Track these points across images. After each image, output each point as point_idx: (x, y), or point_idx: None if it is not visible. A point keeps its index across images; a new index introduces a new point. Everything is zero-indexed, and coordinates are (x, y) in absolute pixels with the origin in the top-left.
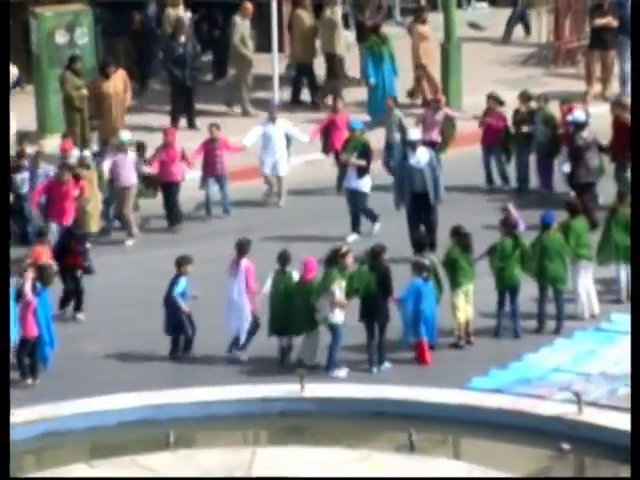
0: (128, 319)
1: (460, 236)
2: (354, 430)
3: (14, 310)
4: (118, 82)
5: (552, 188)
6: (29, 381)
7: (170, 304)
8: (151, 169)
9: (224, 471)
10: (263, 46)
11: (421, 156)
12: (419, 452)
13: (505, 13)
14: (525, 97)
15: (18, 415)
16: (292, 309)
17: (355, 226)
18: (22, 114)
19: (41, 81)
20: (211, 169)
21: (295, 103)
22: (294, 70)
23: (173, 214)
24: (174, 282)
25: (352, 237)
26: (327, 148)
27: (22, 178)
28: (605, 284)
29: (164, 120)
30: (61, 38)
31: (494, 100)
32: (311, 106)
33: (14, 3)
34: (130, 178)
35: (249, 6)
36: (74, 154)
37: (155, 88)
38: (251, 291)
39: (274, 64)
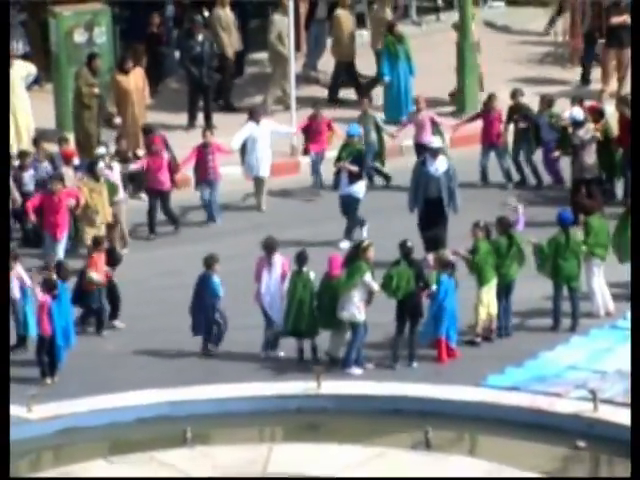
0: (144, 316)
1: (488, 231)
2: (370, 427)
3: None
4: (138, 78)
5: (564, 183)
6: (47, 380)
7: (204, 303)
8: (136, 165)
9: (240, 467)
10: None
11: (440, 164)
12: (435, 450)
13: (522, 12)
14: (514, 93)
15: (36, 411)
16: (309, 309)
17: (348, 232)
18: (41, 112)
19: (60, 80)
20: (204, 174)
21: (333, 101)
22: (334, 69)
23: (172, 219)
24: (206, 281)
25: (344, 244)
26: (306, 149)
27: (29, 175)
28: (620, 283)
29: (182, 118)
30: (80, 37)
31: (494, 98)
32: (354, 103)
33: (33, 3)
34: (120, 193)
35: (289, 2)
36: (75, 161)
37: (172, 87)
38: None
39: (291, 63)
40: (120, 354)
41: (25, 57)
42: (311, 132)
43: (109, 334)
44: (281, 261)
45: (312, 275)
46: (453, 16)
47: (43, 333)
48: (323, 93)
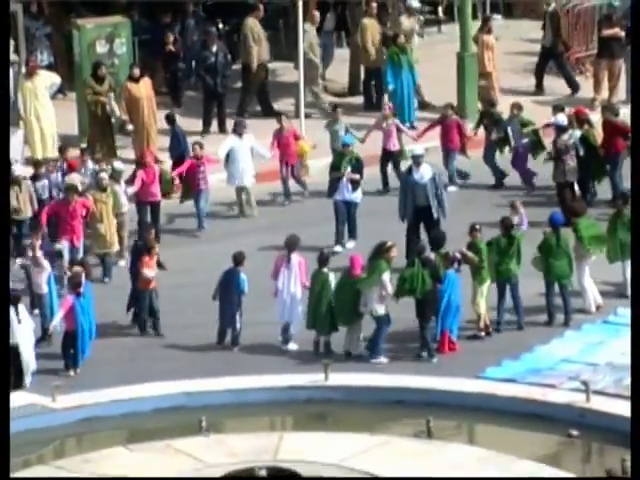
0: (161, 312)
1: (506, 228)
2: (375, 417)
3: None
4: (148, 87)
5: (534, 186)
6: (71, 372)
7: (230, 298)
8: (133, 188)
9: (253, 454)
10: (290, 56)
11: (424, 172)
12: (436, 438)
13: (519, 24)
14: (483, 100)
15: (60, 401)
16: (326, 309)
17: (351, 233)
18: (64, 121)
19: (82, 89)
20: (195, 186)
21: (369, 108)
22: (364, 75)
23: (157, 231)
24: (234, 277)
25: (351, 244)
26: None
27: (42, 185)
28: (610, 281)
29: (197, 125)
30: (101, 48)
31: (452, 109)
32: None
33: (58, 16)
34: (124, 206)
35: (316, 14)
36: (89, 168)
37: (188, 95)
38: (303, 284)
39: (300, 72)
40: (139, 347)
41: (49, 68)
42: (280, 146)
43: (129, 331)
44: (297, 260)
45: (332, 276)
46: (454, 28)
47: (67, 328)
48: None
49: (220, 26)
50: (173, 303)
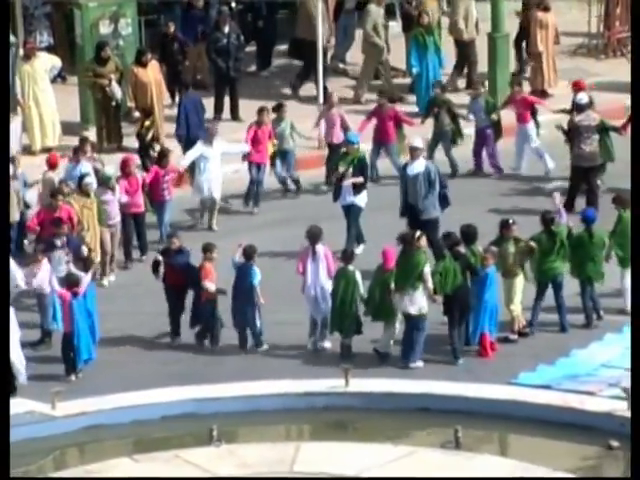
0: (166, 313)
1: (547, 224)
2: (399, 426)
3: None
4: (156, 71)
5: (502, 171)
6: (72, 377)
7: (245, 295)
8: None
9: (267, 466)
10: None
11: (417, 166)
12: (465, 449)
13: (555, 4)
14: (434, 85)
15: (61, 408)
16: (351, 309)
17: (358, 238)
18: (65, 106)
19: (84, 72)
20: (158, 196)
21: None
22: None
23: (143, 244)
24: (247, 272)
25: (360, 248)
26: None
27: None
28: None
29: (207, 112)
30: (105, 29)
31: (387, 98)
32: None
33: None
34: (116, 216)
35: None
36: (84, 166)
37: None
38: (331, 275)
39: (318, 54)
40: (145, 350)
41: (49, 49)
42: (254, 141)
43: (134, 332)
44: (324, 251)
45: (358, 274)
46: (485, 7)
47: (64, 329)
48: (350, 85)
49: (233, 5)
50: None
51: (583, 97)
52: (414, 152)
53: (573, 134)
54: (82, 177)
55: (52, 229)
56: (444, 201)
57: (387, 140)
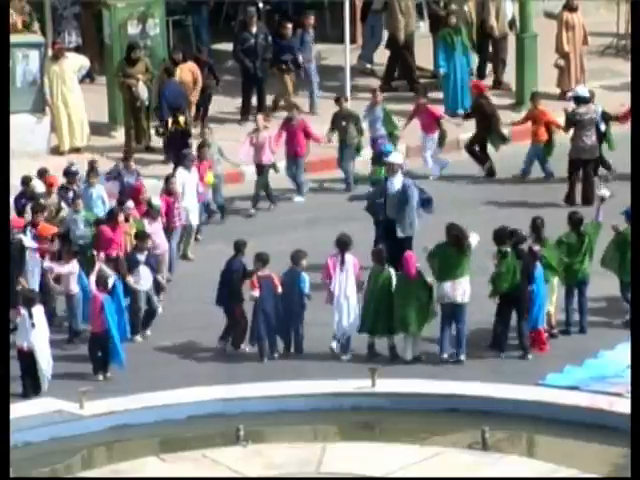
0: (195, 313)
1: (574, 224)
2: (426, 427)
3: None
4: (185, 73)
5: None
6: (100, 376)
7: (293, 299)
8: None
9: (294, 466)
10: (336, 37)
11: (396, 182)
12: (492, 450)
13: (582, 3)
14: (337, 99)
15: (88, 408)
16: (387, 308)
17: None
18: (93, 106)
19: (113, 72)
20: (171, 223)
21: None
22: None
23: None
24: (297, 278)
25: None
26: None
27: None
28: None
29: (233, 108)
30: (133, 29)
31: (294, 108)
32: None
33: None
34: (164, 245)
35: None
36: (97, 189)
37: (226, 79)
38: (359, 285)
39: (346, 55)
40: (173, 351)
41: (78, 50)
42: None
43: (161, 333)
44: (352, 260)
45: (393, 273)
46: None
47: (95, 329)
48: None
49: (260, 5)
50: (201, 304)
51: (583, 90)
52: (393, 167)
53: (575, 127)
54: (121, 203)
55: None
56: (428, 203)
57: (299, 153)
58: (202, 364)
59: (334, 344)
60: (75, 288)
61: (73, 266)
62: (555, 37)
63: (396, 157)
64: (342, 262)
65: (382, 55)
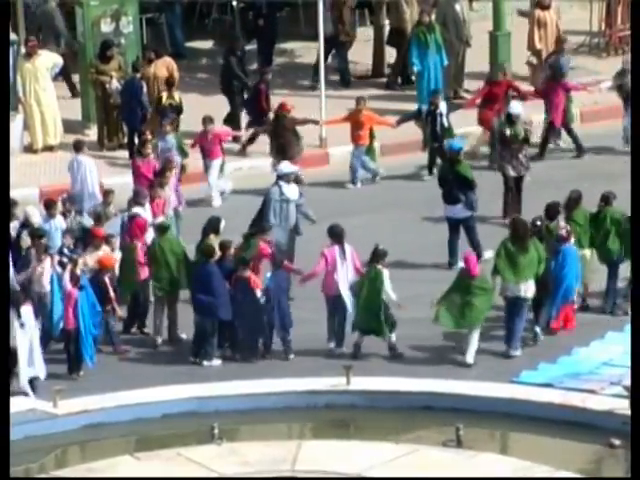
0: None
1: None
2: (400, 424)
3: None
4: (160, 68)
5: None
6: (73, 375)
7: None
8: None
9: (269, 464)
10: (309, 35)
11: (293, 192)
12: (466, 447)
13: (553, 0)
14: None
15: (62, 407)
16: (378, 308)
17: (475, 248)
18: (66, 104)
19: (86, 70)
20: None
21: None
22: None
23: None
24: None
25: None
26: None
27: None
28: None
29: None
30: (106, 27)
31: (211, 119)
32: None
33: None
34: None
35: None
36: (57, 221)
37: (200, 77)
38: (359, 273)
39: (320, 53)
40: (147, 349)
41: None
42: (205, 149)
43: (135, 329)
44: (351, 249)
45: (386, 273)
46: (487, 6)
47: (66, 326)
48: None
49: (234, 3)
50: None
51: (517, 107)
52: (287, 177)
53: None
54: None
55: None
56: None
57: (214, 158)
58: (176, 362)
59: (332, 344)
60: (48, 286)
61: (45, 265)
62: (527, 35)
63: (286, 167)
64: (343, 252)
65: (357, 53)
